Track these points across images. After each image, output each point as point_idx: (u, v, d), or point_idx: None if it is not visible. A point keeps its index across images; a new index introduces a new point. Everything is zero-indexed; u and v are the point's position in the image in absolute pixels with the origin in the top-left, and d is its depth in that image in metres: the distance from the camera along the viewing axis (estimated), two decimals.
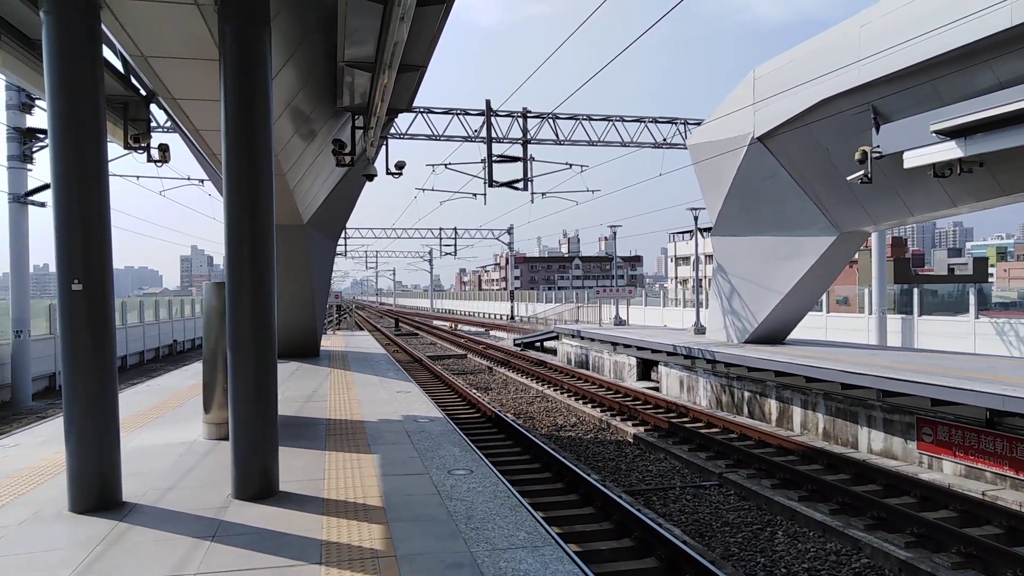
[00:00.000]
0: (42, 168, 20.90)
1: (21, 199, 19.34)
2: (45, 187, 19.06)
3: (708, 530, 8.71)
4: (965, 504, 8.96)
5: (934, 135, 11.53)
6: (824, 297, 24.59)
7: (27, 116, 19.37)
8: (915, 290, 23.48)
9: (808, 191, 15.76)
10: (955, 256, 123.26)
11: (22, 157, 19.33)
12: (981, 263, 79.09)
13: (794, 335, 18.85)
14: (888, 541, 7.85)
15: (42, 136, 19.28)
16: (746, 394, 15.59)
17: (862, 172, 12.91)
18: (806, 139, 14.89)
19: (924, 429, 11.12)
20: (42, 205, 19.48)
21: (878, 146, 12.68)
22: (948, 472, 10.66)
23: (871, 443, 12.11)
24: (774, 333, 17.95)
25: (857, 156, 12.87)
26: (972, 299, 21.15)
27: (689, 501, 9.85)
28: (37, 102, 18.94)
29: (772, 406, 14.73)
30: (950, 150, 11.41)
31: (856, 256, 36.04)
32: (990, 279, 77.03)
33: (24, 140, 19.31)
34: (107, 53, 7.53)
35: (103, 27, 5.94)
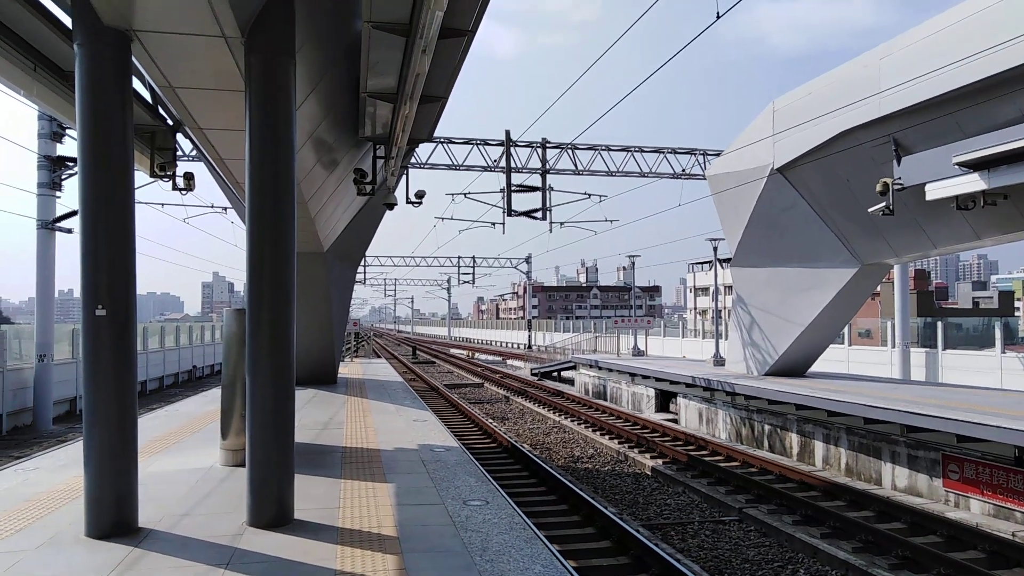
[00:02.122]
0: (70, 195, 21.35)
1: (49, 225, 19.73)
2: (73, 214, 19.42)
3: (728, 567, 8.52)
4: (994, 544, 8.70)
5: (957, 167, 11.44)
6: (846, 330, 24.30)
7: (57, 145, 19.84)
8: (939, 323, 23.14)
9: (829, 223, 15.67)
10: (980, 289, 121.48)
11: (51, 184, 19.77)
12: (1007, 296, 77.71)
13: (815, 368, 18.61)
14: None
15: (71, 164, 19.71)
16: (766, 427, 15.36)
17: (884, 204, 12.81)
18: (826, 170, 14.84)
19: (950, 466, 10.86)
20: (69, 231, 19.85)
21: (899, 178, 12.59)
22: (976, 511, 10.38)
23: (895, 479, 11.85)
24: (795, 365, 17.73)
25: (878, 188, 12.79)
26: (998, 333, 20.80)
27: (708, 536, 9.66)
28: (68, 131, 19.40)
29: (793, 440, 14.49)
30: (973, 182, 11.31)
31: (878, 288, 35.64)
32: (1016, 313, 75.58)
33: (54, 168, 19.75)
34: (136, 84, 7.72)
35: (133, 59, 6.10)
